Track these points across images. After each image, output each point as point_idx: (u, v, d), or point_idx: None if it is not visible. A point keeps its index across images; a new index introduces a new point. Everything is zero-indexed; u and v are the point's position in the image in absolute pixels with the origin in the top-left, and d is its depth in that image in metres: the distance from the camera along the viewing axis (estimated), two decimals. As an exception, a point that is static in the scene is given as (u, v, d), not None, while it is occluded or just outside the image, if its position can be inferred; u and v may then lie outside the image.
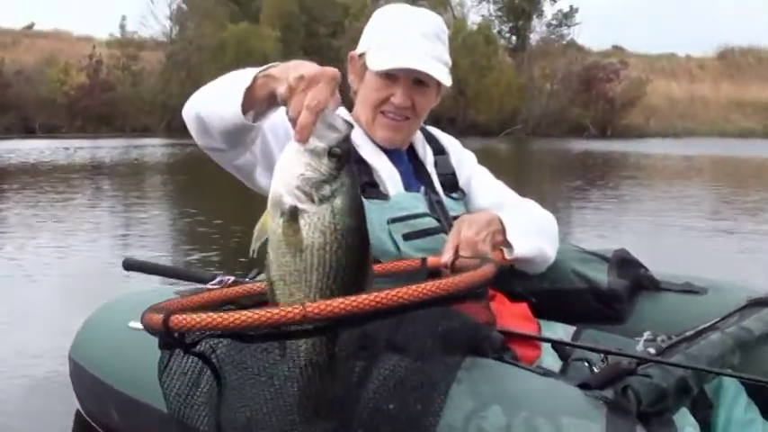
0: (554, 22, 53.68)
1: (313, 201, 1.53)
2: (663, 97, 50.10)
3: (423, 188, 2.56)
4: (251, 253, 1.57)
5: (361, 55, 2.49)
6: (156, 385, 1.66)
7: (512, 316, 2.23)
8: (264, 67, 1.80)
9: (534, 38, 53.29)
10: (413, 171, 2.58)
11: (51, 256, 7.04)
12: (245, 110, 1.84)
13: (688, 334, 2.07)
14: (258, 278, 2.44)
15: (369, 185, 2.38)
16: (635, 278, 2.60)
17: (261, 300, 1.92)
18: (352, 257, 1.56)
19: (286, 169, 1.56)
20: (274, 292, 1.57)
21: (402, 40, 2.40)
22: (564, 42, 53.05)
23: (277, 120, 2.07)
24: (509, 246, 2.36)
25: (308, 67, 1.62)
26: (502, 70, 47.72)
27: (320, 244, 1.53)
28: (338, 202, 1.55)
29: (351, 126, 1.59)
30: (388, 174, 2.47)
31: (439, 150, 2.70)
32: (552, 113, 45.24)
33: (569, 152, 27.81)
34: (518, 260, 2.41)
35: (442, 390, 1.63)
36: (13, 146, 26.84)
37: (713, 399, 2.15)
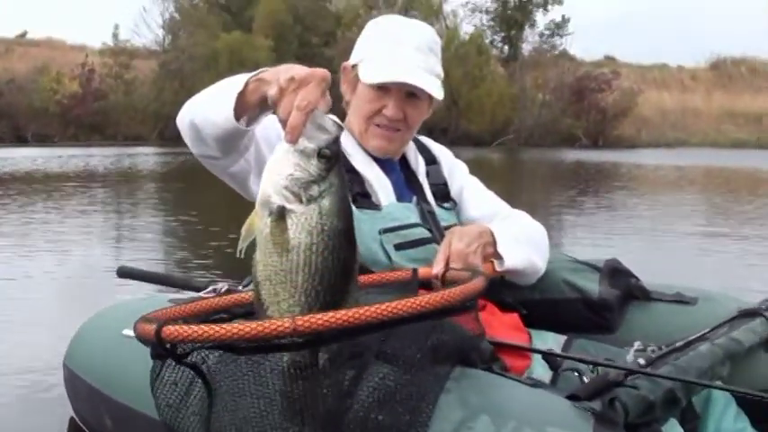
0: (546, 32, 53.79)
1: (301, 201, 1.54)
2: (655, 108, 50.10)
3: (414, 198, 2.56)
4: (238, 252, 1.58)
5: (354, 66, 2.50)
6: (149, 393, 1.67)
7: (502, 326, 2.24)
8: (256, 71, 1.81)
9: (526, 48, 53.37)
10: (405, 181, 2.59)
11: (45, 264, 7.02)
12: (238, 115, 1.86)
13: (678, 345, 2.08)
14: (251, 286, 2.45)
15: (361, 195, 2.38)
16: (626, 288, 2.61)
17: (253, 309, 1.93)
18: (339, 259, 1.57)
19: (275, 169, 1.57)
20: (260, 291, 1.58)
21: (395, 53, 2.41)
22: (556, 52, 53.11)
23: (270, 127, 2.09)
24: (500, 258, 2.38)
25: (298, 69, 1.63)
26: (494, 80, 47.70)
27: (307, 244, 1.54)
28: (326, 202, 1.55)
29: (341, 128, 1.60)
30: (380, 184, 2.47)
31: (431, 160, 2.71)
32: (544, 124, 45.20)
33: (561, 162, 27.83)
34: (508, 272, 2.42)
35: (431, 400, 1.63)
36: (5, 154, 26.76)
37: (703, 409, 2.16)
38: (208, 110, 1.96)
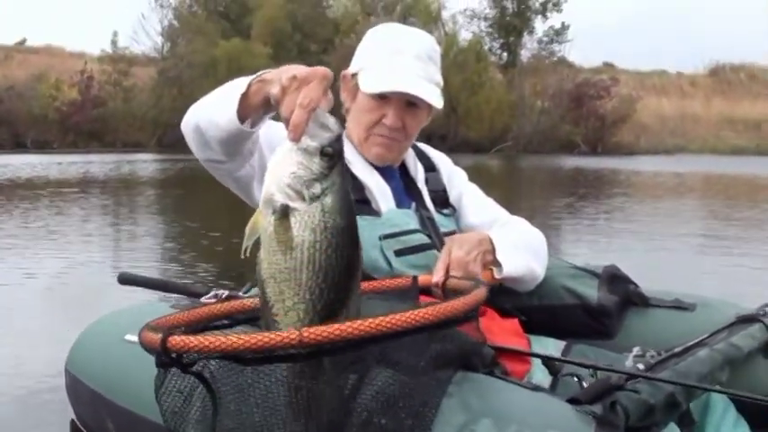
0: (545, 39, 53.75)
1: (304, 199, 1.55)
2: (653, 114, 49.99)
3: (414, 205, 2.58)
4: (243, 251, 1.58)
5: (354, 75, 2.51)
6: (152, 397, 1.67)
7: (502, 331, 2.24)
8: (259, 73, 1.84)
9: (525, 54, 53.31)
10: (404, 188, 2.60)
11: (46, 270, 7.03)
12: (241, 117, 1.88)
13: (677, 350, 2.09)
14: (251, 292, 2.46)
15: (360, 202, 2.38)
16: (625, 294, 2.62)
17: (254, 315, 1.94)
18: (342, 256, 1.57)
19: (278, 168, 1.58)
20: (264, 290, 1.58)
21: (394, 62, 2.43)
22: (555, 59, 53.06)
23: (274, 135, 2.10)
24: (499, 265, 2.39)
25: (299, 68, 1.65)
26: (492, 87, 47.61)
27: (310, 242, 1.54)
28: (328, 200, 1.56)
29: (343, 126, 1.61)
30: (379, 190, 2.49)
31: (430, 167, 2.72)
32: (543, 130, 45.10)
33: (560, 169, 27.81)
34: (507, 279, 2.44)
35: (434, 404, 1.64)
36: (4, 161, 26.75)
37: (701, 414, 2.17)
38: (212, 113, 1.97)
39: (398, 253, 2.37)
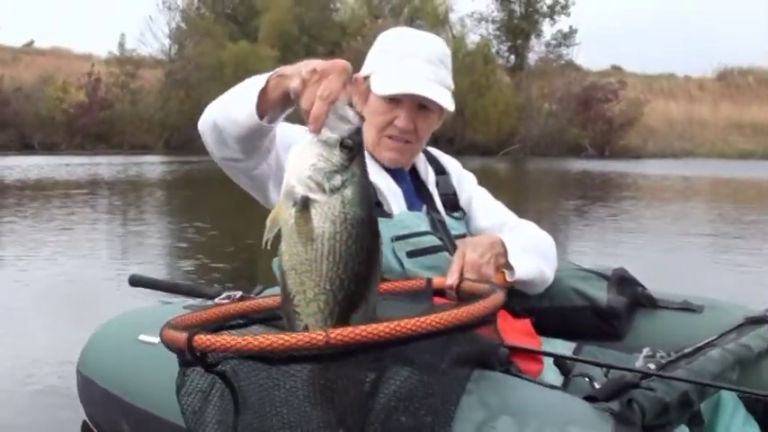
0: (553, 42, 53.67)
1: (324, 191, 1.56)
2: (661, 118, 49.83)
3: (425, 207, 2.60)
4: (263, 244, 1.59)
5: (366, 78, 2.53)
6: (169, 397, 1.69)
7: (515, 331, 2.25)
8: (277, 69, 1.86)
9: (533, 57, 53.26)
10: (415, 191, 2.62)
11: (55, 271, 7.07)
12: (260, 113, 1.89)
13: (687, 350, 2.11)
14: (263, 294, 2.48)
15: (372, 204, 2.40)
16: (633, 296, 2.64)
17: (270, 315, 1.97)
18: (362, 248, 1.59)
19: (299, 160, 1.59)
20: (286, 281, 1.60)
21: (406, 65, 2.45)
22: (562, 62, 52.96)
23: (288, 134, 2.12)
24: (510, 268, 2.41)
25: (319, 61, 1.68)
26: (500, 90, 47.53)
27: (330, 233, 1.56)
28: (348, 192, 1.57)
29: (362, 118, 1.62)
30: (391, 193, 2.51)
31: (440, 171, 2.74)
32: (550, 133, 45.00)
33: (567, 172, 27.78)
34: (518, 282, 2.45)
35: (453, 401, 1.65)
36: (12, 162, 26.81)
37: (711, 414, 2.18)
38: (230, 109, 1.98)
39: (411, 254, 2.38)
